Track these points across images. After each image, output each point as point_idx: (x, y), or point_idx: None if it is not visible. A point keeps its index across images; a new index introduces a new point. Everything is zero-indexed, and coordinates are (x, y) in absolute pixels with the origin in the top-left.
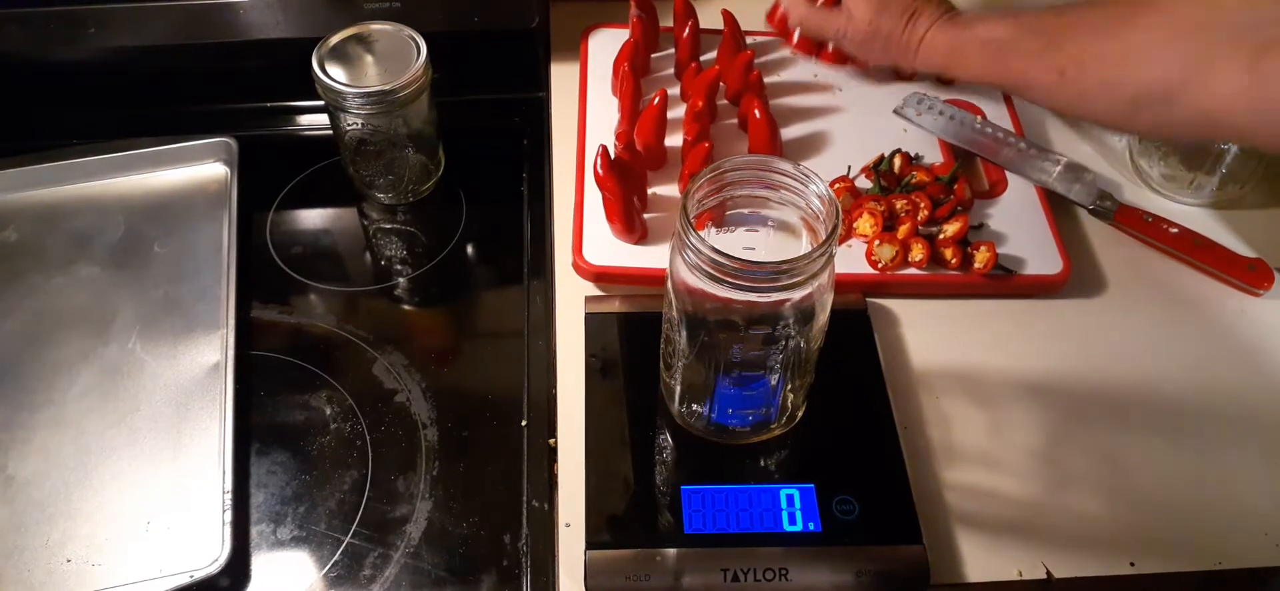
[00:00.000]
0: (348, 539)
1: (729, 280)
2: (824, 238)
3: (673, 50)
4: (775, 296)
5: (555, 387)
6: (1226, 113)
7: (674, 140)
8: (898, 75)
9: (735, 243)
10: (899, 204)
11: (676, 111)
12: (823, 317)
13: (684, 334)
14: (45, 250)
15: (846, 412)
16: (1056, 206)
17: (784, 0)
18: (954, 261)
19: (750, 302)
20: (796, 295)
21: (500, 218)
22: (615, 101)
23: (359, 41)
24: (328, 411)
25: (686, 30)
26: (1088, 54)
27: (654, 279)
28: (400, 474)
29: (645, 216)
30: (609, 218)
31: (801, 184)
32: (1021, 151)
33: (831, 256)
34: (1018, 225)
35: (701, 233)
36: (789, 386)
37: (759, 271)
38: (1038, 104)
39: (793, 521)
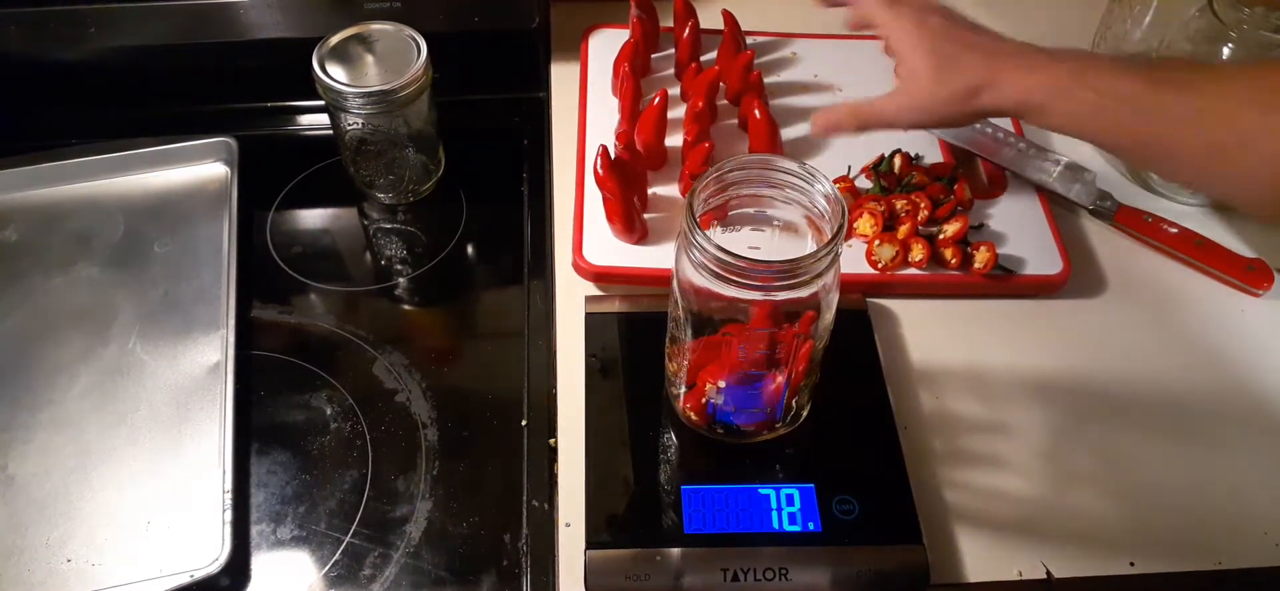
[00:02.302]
0: (348, 538)
1: (735, 279)
2: (829, 237)
3: (673, 50)
4: (781, 296)
5: (555, 387)
6: None
7: (674, 140)
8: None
9: (741, 242)
10: (899, 204)
11: (677, 112)
12: (828, 316)
13: (689, 333)
14: (45, 250)
15: (847, 413)
16: (1056, 206)
17: (825, 120)
18: (954, 261)
19: (756, 302)
20: (803, 294)
21: (500, 218)
22: (615, 101)
23: (359, 41)
24: (328, 411)
25: (687, 30)
26: (1258, 133)
27: (654, 279)
28: (400, 473)
29: (645, 216)
30: (609, 218)
31: (807, 183)
32: (1021, 151)
33: (837, 255)
34: (1018, 225)
35: (707, 232)
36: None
37: (765, 271)
38: (1161, 175)
39: (793, 521)
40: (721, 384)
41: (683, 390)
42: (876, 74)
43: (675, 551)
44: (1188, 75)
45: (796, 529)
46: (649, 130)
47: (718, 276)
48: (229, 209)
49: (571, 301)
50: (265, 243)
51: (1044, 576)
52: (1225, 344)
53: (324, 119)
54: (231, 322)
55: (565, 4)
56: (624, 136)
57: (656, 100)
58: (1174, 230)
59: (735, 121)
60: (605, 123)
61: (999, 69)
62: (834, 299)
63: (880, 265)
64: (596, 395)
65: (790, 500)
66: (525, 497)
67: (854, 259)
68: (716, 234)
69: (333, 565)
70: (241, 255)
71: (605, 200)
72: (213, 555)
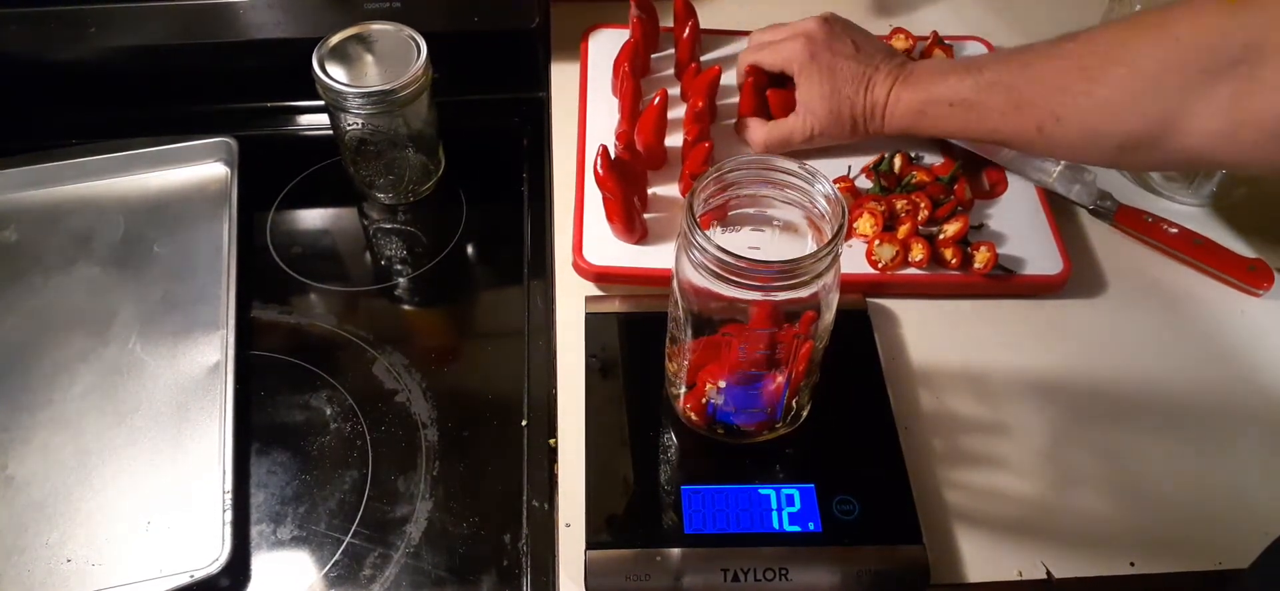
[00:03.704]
0: (348, 539)
1: (735, 279)
2: (830, 237)
3: (673, 50)
4: (781, 296)
5: (555, 387)
6: (1210, 150)
7: (674, 140)
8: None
9: (741, 242)
10: (899, 204)
11: (677, 111)
12: (828, 317)
13: (689, 333)
14: (45, 250)
15: (847, 413)
16: (1057, 207)
17: (746, 134)
18: (954, 261)
19: (756, 302)
20: (803, 294)
21: (500, 218)
22: (615, 102)
23: (359, 41)
24: (328, 411)
25: (687, 30)
26: (1062, 110)
27: (655, 279)
28: (400, 474)
29: (645, 216)
30: (609, 218)
31: (807, 183)
32: (1022, 152)
33: (837, 256)
34: (1018, 225)
35: (707, 232)
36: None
37: (765, 271)
38: (1014, 150)
39: (793, 521)
40: (722, 384)
41: (683, 390)
42: None
43: (675, 551)
44: (1008, 77)
45: (797, 529)
46: (649, 130)
47: (718, 276)
48: (229, 209)
49: (571, 301)
50: (265, 243)
51: (1044, 576)
52: (1225, 344)
53: (324, 119)
54: (231, 322)
55: (565, 4)
56: (624, 136)
57: (656, 100)
58: (1174, 230)
59: (735, 121)
60: (605, 123)
61: (874, 102)
62: (834, 299)
63: (880, 265)
64: (596, 395)
65: (790, 500)
66: (525, 498)
67: (854, 259)
68: (717, 234)
69: (333, 565)
70: (241, 255)
71: (605, 200)
72: (213, 555)
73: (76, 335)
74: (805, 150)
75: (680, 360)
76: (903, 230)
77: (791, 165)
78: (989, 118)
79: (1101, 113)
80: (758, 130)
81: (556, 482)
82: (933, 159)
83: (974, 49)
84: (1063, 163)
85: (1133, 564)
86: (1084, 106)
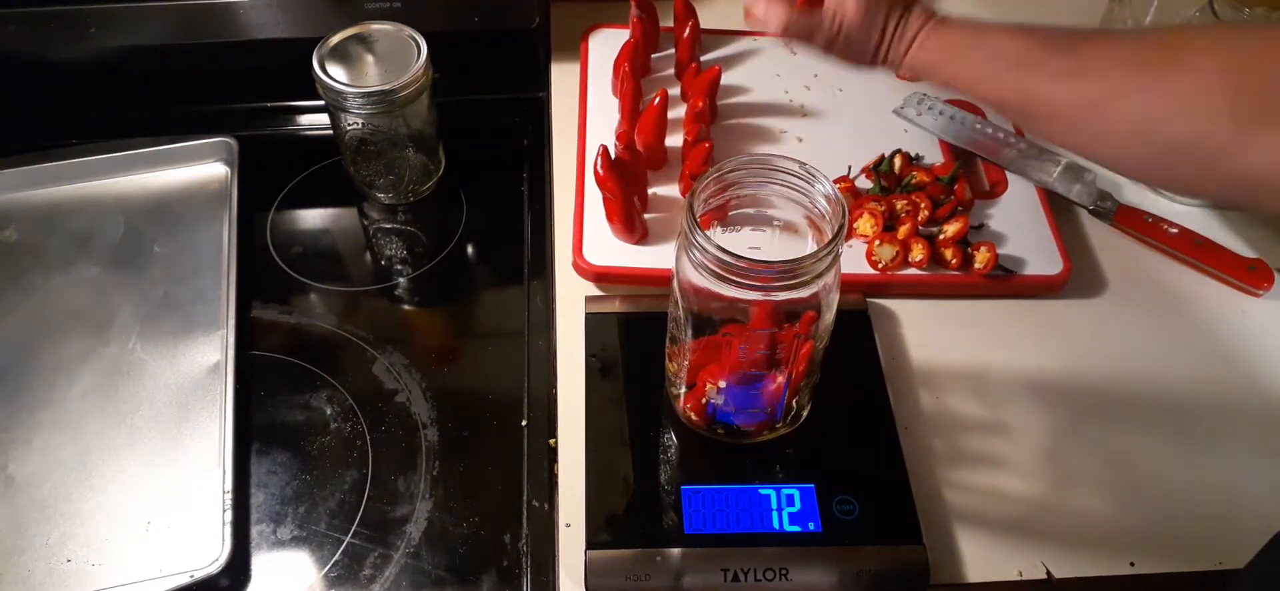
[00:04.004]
0: (348, 539)
1: (736, 279)
2: (830, 237)
3: (673, 50)
4: (782, 296)
5: (555, 387)
6: (1269, 178)
7: (674, 140)
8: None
9: (741, 242)
10: (899, 204)
11: (677, 111)
12: (829, 317)
13: (690, 333)
14: (45, 250)
15: (847, 413)
16: (1057, 207)
17: (760, 8)
18: (954, 262)
19: (757, 302)
20: (803, 294)
21: (500, 218)
22: (616, 102)
23: (359, 41)
24: (328, 411)
25: (687, 30)
26: (1128, 89)
27: (655, 279)
28: (400, 474)
29: (646, 216)
30: (609, 218)
31: (807, 183)
32: (1022, 151)
33: (838, 256)
34: (1018, 225)
35: (707, 232)
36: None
37: (766, 271)
38: (1042, 134)
39: (793, 521)
40: (722, 384)
41: (683, 390)
42: (877, 75)
43: (675, 551)
44: (1074, 40)
45: (797, 529)
46: (649, 130)
47: (718, 276)
48: (229, 209)
49: (571, 301)
50: (265, 242)
51: (1044, 576)
52: (1225, 344)
53: (324, 119)
54: (231, 323)
55: (565, 4)
56: (624, 136)
57: (657, 100)
58: (1174, 230)
59: (736, 121)
60: (605, 123)
61: (905, 29)
62: (834, 299)
63: (880, 265)
64: (597, 395)
65: (790, 500)
66: (525, 498)
67: (854, 259)
68: (717, 234)
69: (333, 565)
70: (241, 255)
71: (605, 200)
72: (213, 555)
73: (76, 335)
74: (819, 58)
75: (680, 360)
76: (903, 230)
77: (792, 165)
78: (1034, 76)
79: (1171, 101)
80: (779, 12)
81: (556, 482)
82: (933, 159)
83: None
84: (1063, 162)
85: (1133, 564)
86: (1157, 88)
